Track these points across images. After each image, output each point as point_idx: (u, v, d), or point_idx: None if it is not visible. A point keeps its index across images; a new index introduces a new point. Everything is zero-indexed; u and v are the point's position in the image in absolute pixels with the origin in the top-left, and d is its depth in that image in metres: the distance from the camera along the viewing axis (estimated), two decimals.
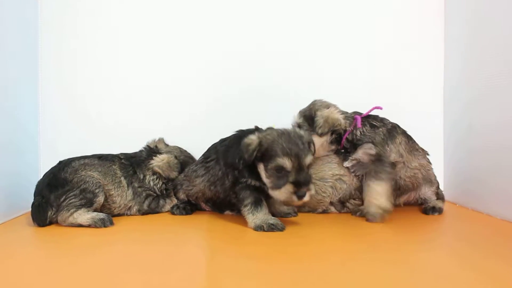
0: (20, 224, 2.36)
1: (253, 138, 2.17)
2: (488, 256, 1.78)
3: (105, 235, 2.14)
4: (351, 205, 2.56)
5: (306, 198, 2.10)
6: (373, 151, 2.37)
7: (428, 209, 2.49)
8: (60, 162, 2.47)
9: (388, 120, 2.53)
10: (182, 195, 2.62)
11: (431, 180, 2.53)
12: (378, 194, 2.32)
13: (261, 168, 2.17)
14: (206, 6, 2.89)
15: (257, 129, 2.29)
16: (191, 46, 2.90)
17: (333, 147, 2.53)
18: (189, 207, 2.59)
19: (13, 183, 2.50)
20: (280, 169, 2.10)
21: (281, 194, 2.10)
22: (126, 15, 2.88)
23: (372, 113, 2.53)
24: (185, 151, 2.80)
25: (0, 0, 2.38)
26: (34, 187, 2.39)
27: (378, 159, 2.36)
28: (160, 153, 2.68)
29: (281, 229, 2.16)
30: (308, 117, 2.49)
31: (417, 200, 2.60)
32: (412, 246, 1.98)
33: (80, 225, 2.25)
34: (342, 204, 2.58)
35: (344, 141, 2.47)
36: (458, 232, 2.23)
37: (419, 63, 2.93)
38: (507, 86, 2.27)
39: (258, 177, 2.21)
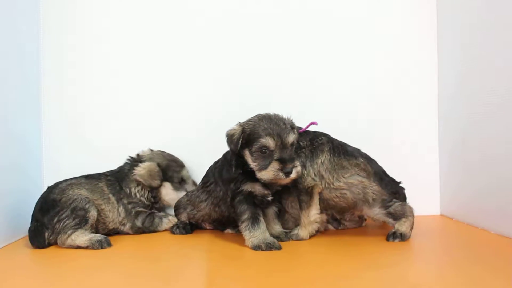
0: (25, 245, 2.28)
1: (235, 128, 2.15)
2: (485, 272, 1.70)
3: (104, 256, 2.07)
4: (346, 221, 2.48)
5: (293, 175, 2.06)
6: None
7: (389, 236, 2.22)
8: (49, 187, 2.40)
9: (321, 138, 2.31)
10: (184, 218, 2.53)
11: (367, 200, 2.22)
12: (303, 224, 2.25)
13: (247, 154, 2.13)
14: (200, 36, 2.83)
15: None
16: (188, 74, 2.83)
17: None
18: (189, 226, 2.50)
19: (17, 206, 2.42)
20: (264, 149, 2.07)
21: (268, 173, 2.06)
22: (125, 44, 2.83)
23: (310, 128, 2.36)
24: (168, 154, 2.66)
25: (1, 31, 2.34)
26: None
27: (294, 185, 2.23)
28: (142, 161, 2.56)
29: (278, 248, 2.08)
30: None
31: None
32: (408, 262, 1.92)
33: (79, 247, 2.18)
34: (337, 221, 2.49)
35: None
36: (454, 247, 2.15)
37: (413, 80, 2.84)
38: (501, 102, 2.21)
39: (253, 176, 2.14)
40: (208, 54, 2.83)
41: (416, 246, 2.15)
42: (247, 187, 2.17)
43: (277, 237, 2.22)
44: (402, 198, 2.30)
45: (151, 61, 2.84)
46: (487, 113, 2.32)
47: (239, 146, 2.11)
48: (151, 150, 2.67)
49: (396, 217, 2.22)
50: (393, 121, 2.83)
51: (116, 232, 2.47)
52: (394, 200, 2.23)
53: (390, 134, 2.81)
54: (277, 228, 2.30)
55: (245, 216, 2.15)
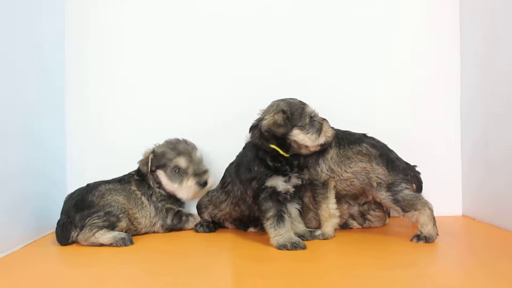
0: (49, 242, 2.24)
1: (271, 114, 2.12)
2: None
3: (130, 252, 2.04)
4: (372, 217, 2.39)
5: None
6: (305, 176, 2.23)
7: (413, 238, 2.12)
8: (88, 185, 2.33)
9: None
10: (206, 216, 2.46)
11: (372, 185, 2.18)
12: (324, 219, 2.22)
13: (295, 133, 2.13)
14: (217, 34, 2.76)
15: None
16: (208, 77, 2.76)
17: None
18: (212, 225, 2.44)
19: (42, 205, 2.38)
20: (312, 115, 2.17)
21: (325, 133, 2.17)
22: (146, 47, 2.77)
23: None
24: (171, 141, 2.49)
25: (27, 35, 2.30)
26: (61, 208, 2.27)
27: (310, 183, 2.23)
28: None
29: (303, 248, 2.00)
30: None
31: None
32: (435, 262, 1.88)
33: (102, 244, 2.12)
34: (363, 217, 2.40)
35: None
36: (478, 247, 2.08)
37: (435, 79, 2.74)
38: None
39: (275, 171, 2.11)
40: (226, 52, 2.76)
41: (440, 246, 2.06)
42: (272, 182, 2.10)
43: (301, 236, 2.14)
44: (414, 180, 2.21)
45: (170, 62, 2.77)
46: (510, 113, 2.22)
47: (288, 125, 2.11)
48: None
49: (405, 207, 2.11)
50: (415, 120, 2.72)
51: (144, 233, 2.40)
52: (403, 185, 2.14)
53: (412, 133, 2.70)
54: (301, 227, 2.22)
55: (270, 213, 2.07)
